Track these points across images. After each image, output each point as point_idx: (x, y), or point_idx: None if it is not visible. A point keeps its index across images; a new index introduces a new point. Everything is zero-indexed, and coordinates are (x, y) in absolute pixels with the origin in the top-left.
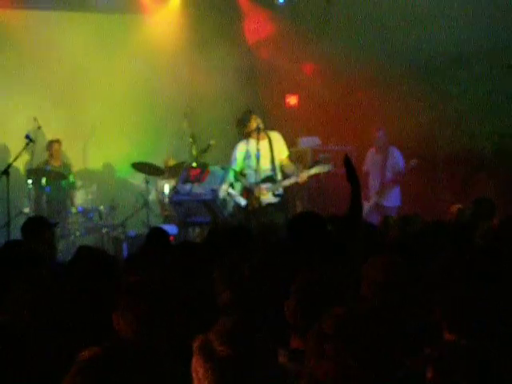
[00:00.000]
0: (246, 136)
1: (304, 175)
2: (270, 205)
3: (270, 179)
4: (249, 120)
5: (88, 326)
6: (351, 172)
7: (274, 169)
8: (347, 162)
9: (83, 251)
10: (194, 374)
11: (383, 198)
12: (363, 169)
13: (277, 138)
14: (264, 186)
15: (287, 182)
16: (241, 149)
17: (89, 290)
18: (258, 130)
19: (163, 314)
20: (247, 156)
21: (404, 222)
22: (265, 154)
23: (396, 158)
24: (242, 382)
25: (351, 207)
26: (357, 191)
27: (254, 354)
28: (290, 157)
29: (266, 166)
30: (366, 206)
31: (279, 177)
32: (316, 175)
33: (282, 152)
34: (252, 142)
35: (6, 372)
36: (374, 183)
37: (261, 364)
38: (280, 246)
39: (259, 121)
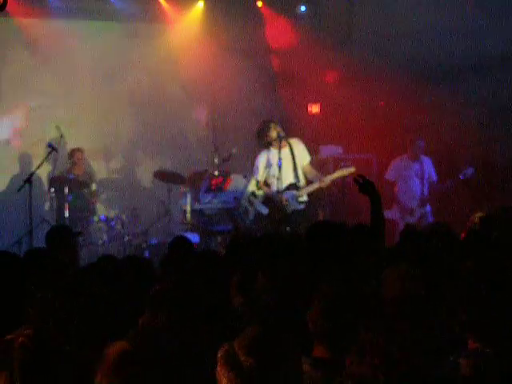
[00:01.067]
0: (267, 145)
1: (327, 179)
2: (295, 212)
3: (294, 186)
4: (268, 129)
5: (114, 333)
6: (369, 185)
7: (296, 176)
8: (362, 180)
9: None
10: (218, 383)
11: (425, 208)
12: (387, 176)
13: (298, 144)
14: (287, 194)
15: (310, 188)
16: (262, 159)
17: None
18: (278, 138)
19: (186, 321)
20: (269, 165)
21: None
22: (287, 161)
23: (430, 167)
24: None
25: (373, 219)
26: (377, 204)
27: (279, 364)
28: (311, 163)
29: (288, 173)
30: (412, 219)
31: (302, 183)
32: (339, 179)
33: (303, 158)
34: (273, 151)
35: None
36: (411, 194)
37: (285, 374)
38: (298, 254)
39: (279, 129)
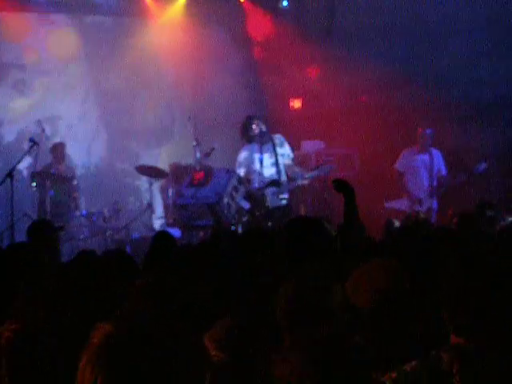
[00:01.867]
0: (250, 140)
1: (308, 177)
2: (276, 208)
3: (275, 183)
4: (251, 124)
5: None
6: (342, 183)
7: (278, 172)
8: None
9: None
10: None
11: (433, 201)
12: (395, 167)
13: (280, 140)
14: (268, 190)
15: (292, 185)
16: (244, 154)
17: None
18: (260, 133)
19: (167, 316)
20: (251, 161)
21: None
22: (268, 157)
23: (439, 161)
24: None
25: (346, 214)
26: (350, 197)
27: (250, 359)
28: (294, 160)
29: (270, 169)
30: (420, 209)
31: (284, 180)
32: (320, 176)
33: (286, 155)
34: (255, 146)
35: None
36: (420, 184)
37: (257, 369)
38: (277, 250)
39: (262, 125)
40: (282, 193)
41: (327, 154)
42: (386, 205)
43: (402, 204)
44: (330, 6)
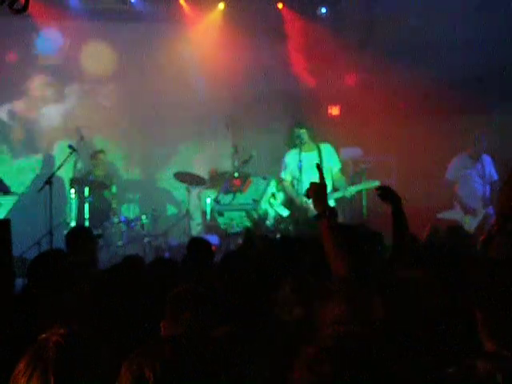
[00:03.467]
0: (294, 146)
1: (352, 190)
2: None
3: None
4: (297, 131)
5: (134, 332)
6: (389, 191)
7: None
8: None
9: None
10: None
11: (488, 208)
12: (447, 176)
13: (328, 150)
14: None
15: (334, 196)
16: (288, 158)
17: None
18: (301, 140)
19: (208, 323)
20: (293, 166)
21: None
22: (312, 165)
23: (490, 166)
24: None
25: (396, 223)
26: (399, 211)
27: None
28: (341, 170)
29: (312, 177)
30: (474, 220)
31: (328, 189)
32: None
33: (333, 164)
34: (297, 152)
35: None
36: (473, 193)
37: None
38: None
39: (309, 132)
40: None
41: (365, 161)
42: (439, 216)
43: (455, 214)
44: (369, 12)
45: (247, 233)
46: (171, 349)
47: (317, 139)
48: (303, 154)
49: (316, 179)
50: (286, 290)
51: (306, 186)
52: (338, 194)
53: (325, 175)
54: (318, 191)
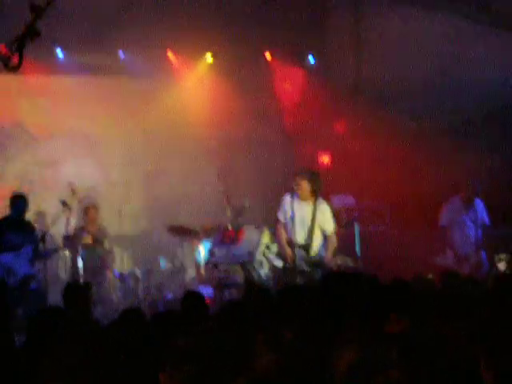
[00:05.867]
0: (294, 192)
1: (334, 262)
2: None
3: (305, 247)
4: (298, 180)
5: None
6: None
7: (310, 237)
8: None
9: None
10: None
11: (480, 253)
12: (440, 223)
13: (326, 209)
14: (298, 252)
15: (313, 260)
16: (285, 201)
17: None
18: (298, 189)
19: (211, 375)
20: (286, 211)
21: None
22: (302, 218)
23: (482, 210)
24: None
25: None
26: None
27: None
28: (336, 233)
29: (301, 231)
30: (467, 266)
31: (314, 247)
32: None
33: (326, 225)
34: (293, 199)
35: None
36: (466, 239)
37: None
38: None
39: (311, 185)
40: (309, 265)
41: (357, 209)
42: (434, 261)
43: (447, 260)
44: (356, 61)
45: (249, 284)
46: None
47: (317, 193)
48: (299, 202)
49: (302, 232)
50: (259, 342)
51: (296, 234)
52: (317, 260)
53: (315, 233)
54: None
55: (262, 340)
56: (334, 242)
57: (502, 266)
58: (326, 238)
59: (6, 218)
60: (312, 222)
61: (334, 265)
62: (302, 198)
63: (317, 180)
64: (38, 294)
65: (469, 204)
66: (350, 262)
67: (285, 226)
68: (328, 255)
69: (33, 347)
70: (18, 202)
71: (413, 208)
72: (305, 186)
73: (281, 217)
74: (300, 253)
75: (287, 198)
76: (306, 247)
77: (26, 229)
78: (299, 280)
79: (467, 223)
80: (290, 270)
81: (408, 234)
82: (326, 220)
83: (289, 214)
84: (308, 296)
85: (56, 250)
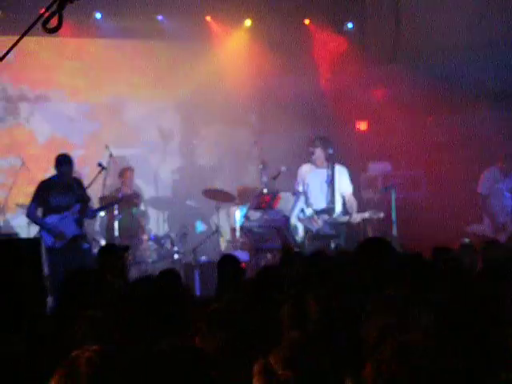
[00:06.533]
0: (310, 161)
1: (357, 217)
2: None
3: (328, 211)
4: (314, 148)
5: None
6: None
7: (332, 201)
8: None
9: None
10: None
11: None
12: (479, 190)
13: (343, 172)
14: (320, 217)
15: (340, 220)
16: (302, 170)
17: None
18: (316, 159)
19: (242, 342)
20: (305, 180)
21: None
22: (322, 183)
23: None
24: None
25: None
26: None
27: (317, 378)
28: (354, 194)
29: (321, 196)
30: (503, 234)
31: (337, 209)
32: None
33: (345, 187)
34: (311, 169)
35: None
36: (504, 208)
37: None
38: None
39: (324, 152)
40: (334, 226)
41: (394, 176)
42: (470, 229)
43: (485, 229)
44: (395, 27)
45: (286, 250)
46: None
47: (333, 160)
48: (315, 170)
49: (322, 197)
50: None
51: (316, 204)
52: (343, 219)
53: (336, 197)
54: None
55: (287, 314)
56: (353, 201)
57: None
58: (344, 201)
59: (50, 179)
60: (331, 185)
61: (360, 219)
62: (318, 165)
63: (330, 146)
64: (89, 253)
65: (506, 174)
66: (377, 214)
67: (304, 194)
68: (352, 213)
69: (68, 309)
70: (63, 162)
71: (449, 176)
72: (319, 153)
73: (299, 187)
74: (324, 217)
75: (303, 168)
76: (329, 211)
77: (72, 189)
78: (332, 243)
79: (504, 193)
80: (321, 235)
81: (445, 202)
82: (344, 182)
83: (306, 182)
84: (338, 263)
85: (106, 207)
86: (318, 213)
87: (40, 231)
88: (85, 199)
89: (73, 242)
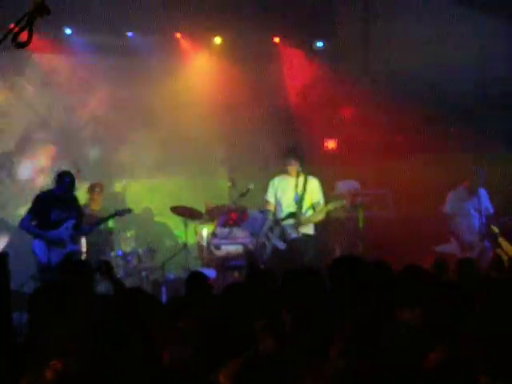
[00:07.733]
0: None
1: (321, 212)
2: (298, 240)
3: (293, 215)
4: (289, 160)
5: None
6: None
7: (300, 206)
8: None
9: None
10: None
11: (484, 241)
12: (443, 209)
13: (315, 183)
14: (287, 223)
15: (304, 218)
16: (274, 182)
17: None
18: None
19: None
20: (277, 189)
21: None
22: (292, 194)
23: (486, 199)
24: None
25: None
26: None
27: None
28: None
29: (290, 201)
30: (472, 254)
31: (304, 215)
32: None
33: (317, 197)
34: (283, 180)
35: None
36: (471, 227)
37: None
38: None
39: (298, 164)
40: (298, 226)
41: (362, 194)
42: (437, 249)
43: (452, 248)
44: (365, 46)
45: (252, 267)
46: None
47: (305, 171)
48: (288, 180)
49: (294, 206)
50: (259, 327)
51: (284, 208)
52: (308, 215)
53: (305, 204)
54: None
55: (262, 326)
56: (322, 210)
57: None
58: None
59: (50, 194)
60: (302, 192)
61: (325, 213)
62: (292, 176)
63: (303, 158)
64: None
65: (473, 193)
66: (340, 203)
67: (275, 207)
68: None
69: (36, 323)
70: (64, 178)
71: (417, 196)
72: (293, 164)
73: (270, 198)
74: (289, 222)
75: (276, 179)
76: (295, 215)
77: (69, 205)
78: (306, 258)
79: (471, 212)
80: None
81: (411, 222)
82: (316, 193)
83: (279, 192)
84: (311, 280)
85: (100, 222)
86: (284, 218)
87: (33, 247)
88: (79, 215)
89: (66, 258)
